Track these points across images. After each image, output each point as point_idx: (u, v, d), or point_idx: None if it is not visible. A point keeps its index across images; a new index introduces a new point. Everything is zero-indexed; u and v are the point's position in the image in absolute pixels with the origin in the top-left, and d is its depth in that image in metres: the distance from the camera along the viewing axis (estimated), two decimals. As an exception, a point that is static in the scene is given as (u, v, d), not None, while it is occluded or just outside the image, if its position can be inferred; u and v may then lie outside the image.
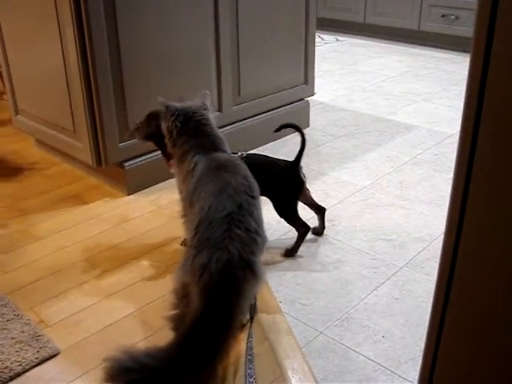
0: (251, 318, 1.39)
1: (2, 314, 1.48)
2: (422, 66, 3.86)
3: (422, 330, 1.39)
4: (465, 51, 4.10)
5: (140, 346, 1.35)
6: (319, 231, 1.85)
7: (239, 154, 1.70)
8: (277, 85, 2.56)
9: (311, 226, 1.78)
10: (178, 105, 1.51)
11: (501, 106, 0.75)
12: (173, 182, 1.73)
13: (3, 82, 2.55)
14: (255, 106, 2.50)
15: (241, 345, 1.35)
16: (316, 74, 2.77)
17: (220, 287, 1.16)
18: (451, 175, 0.84)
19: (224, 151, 1.48)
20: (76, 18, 1.85)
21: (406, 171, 2.33)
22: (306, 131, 1.78)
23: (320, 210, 1.84)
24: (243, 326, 1.38)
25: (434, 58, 4.06)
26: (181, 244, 1.79)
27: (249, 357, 1.25)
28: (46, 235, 1.89)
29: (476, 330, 0.89)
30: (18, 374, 1.30)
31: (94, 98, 1.95)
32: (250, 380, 1.20)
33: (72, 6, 1.83)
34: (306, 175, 1.78)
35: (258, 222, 1.31)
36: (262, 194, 1.69)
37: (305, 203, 1.81)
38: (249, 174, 1.42)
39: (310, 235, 1.80)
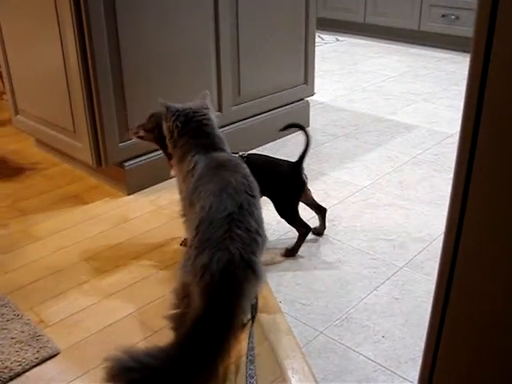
0: (252, 318, 1.39)
1: (2, 314, 1.48)
2: (422, 66, 3.86)
3: (422, 330, 1.39)
4: (465, 51, 4.10)
5: (140, 346, 1.35)
6: (319, 231, 1.85)
7: (239, 154, 1.70)
8: (277, 85, 2.56)
9: (311, 226, 1.78)
10: (178, 105, 1.51)
11: (501, 106, 0.75)
12: (173, 181, 1.73)
13: (3, 82, 2.55)
14: (255, 106, 2.50)
15: (242, 344, 1.35)
16: (316, 74, 2.77)
17: (221, 287, 1.17)
18: (451, 175, 0.84)
19: (224, 151, 1.49)
20: (76, 18, 1.85)
21: (405, 171, 2.33)
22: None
23: (321, 211, 1.84)
24: (244, 325, 1.38)
25: (434, 58, 4.07)
26: (180, 244, 1.79)
27: (250, 357, 1.25)
28: (45, 235, 1.89)
29: (476, 330, 0.89)
30: (18, 374, 1.30)
31: (94, 98, 1.95)
32: (251, 381, 1.20)
33: (72, 6, 1.83)
34: (307, 175, 1.78)
35: (259, 221, 1.31)
36: (263, 194, 1.70)
37: (306, 203, 1.81)
38: (248, 173, 1.42)
39: (310, 235, 1.80)
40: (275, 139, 2.59)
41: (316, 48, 2.72)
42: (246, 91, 2.43)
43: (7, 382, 1.28)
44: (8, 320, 1.46)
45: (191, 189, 1.39)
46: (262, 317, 1.48)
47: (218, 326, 1.16)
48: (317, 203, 1.83)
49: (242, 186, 1.34)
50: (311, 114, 2.82)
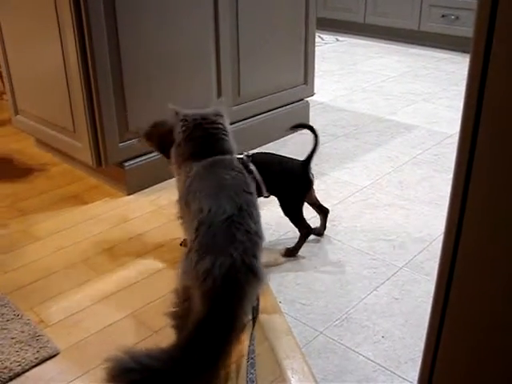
0: (253, 319, 1.39)
1: (2, 314, 1.48)
2: (421, 66, 3.86)
3: (422, 331, 1.39)
4: (464, 51, 4.10)
5: (140, 347, 1.35)
6: (320, 231, 1.85)
7: (244, 154, 1.70)
8: (277, 85, 2.56)
9: (312, 226, 1.78)
10: (188, 111, 1.50)
11: (500, 106, 0.75)
12: (173, 182, 1.73)
13: (3, 82, 2.55)
14: (255, 107, 2.50)
15: (243, 344, 1.35)
16: (316, 74, 2.77)
17: (223, 292, 1.16)
18: (451, 175, 0.84)
19: (228, 155, 1.48)
20: (76, 18, 1.85)
21: (405, 171, 2.33)
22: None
23: (323, 211, 1.84)
24: (245, 326, 1.38)
25: (434, 58, 4.07)
26: (180, 244, 1.79)
27: (251, 360, 1.24)
28: (45, 235, 1.89)
29: (476, 330, 0.89)
30: (18, 374, 1.30)
31: (93, 98, 1.95)
32: None
33: (72, 6, 1.83)
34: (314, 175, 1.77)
35: (257, 222, 1.31)
36: (269, 192, 1.69)
37: (309, 203, 1.81)
38: (243, 169, 1.42)
39: (310, 235, 1.79)
40: (275, 139, 2.59)
41: (316, 48, 2.72)
42: (245, 91, 2.43)
43: (7, 382, 1.28)
44: (8, 320, 1.46)
45: (186, 187, 1.39)
46: (262, 317, 1.48)
47: (220, 329, 1.16)
48: (320, 204, 1.83)
49: (238, 182, 1.33)
50: (311, 114, 2.82)
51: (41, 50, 2.11)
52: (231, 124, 2.44)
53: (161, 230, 1.92)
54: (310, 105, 2.79)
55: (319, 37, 4.66)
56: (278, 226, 1.88)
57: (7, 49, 2.30)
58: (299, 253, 1.76)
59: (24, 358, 1.34)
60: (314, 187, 1.78)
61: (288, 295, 1.58)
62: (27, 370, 1.32)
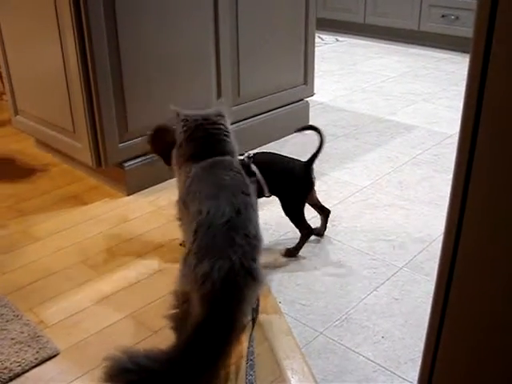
0: (253, 320, 1.39)
1: (2, 315, 1.48)
2: (421, 67, 3.86)
3: (422, 331, 1.39)
4: (464, 51, 4.10)
5: (139, 347, 1.35)
6: (320, 232, 1.85)
7: (246, 154, 1.70)
8: (276, 85, 2.56)
9: (312, 226, 1.78)
10: (189, 112, 1.50)
11: (500, 106, 0.75)
12: (172, 182, 1.73)
13: (3, 82, 2.55)
14: (255, 107, 2.50)
15: (243, 345, 1.35)
16: (316, 75, 2.77)
17: (222, 295, 1.16)
18: (451, 175, 0.84)
19: (229, 156, 1.48)
20: (76, 20, 1.85)
21: (405, 171, 2.33)
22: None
23: (324, 212, 1.84)
24: (244, 327, 1.38)
25: (434, 58, 4.07)
26: (180, 244, 1.79)
27: (250, 362, 1.24)
28: (45, 236, 1.89)
29: (476, 330, 0.89)
30: (18, 375, 1.30)
31: (93, 99, 1.95)
32: None
33: (72, 7, 1.83)
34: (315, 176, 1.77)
35: (256, 225, 1.30)
36: (270, 193, 1.69)
37: (310, 204, 1.80)
38: (242, 170, 1.42)
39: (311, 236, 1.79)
40: (275, 139, 2.59)
41: (316, 48, 2.72)
42: (245, 92, 2.43)
43: (7, 382, 1.28)
44: (7, 321, 1.46)
45: (185, 188, 1.39)
46: (261, 317, 1.48)
47: (219, 332, 1.15)
48: (321, 204, 1.83)
49: (237, 182, 1.33)
50: (311, 114, 2.82)
51: (41, 50, 2.11)
52: (231, 124, 2.44)
53: (160, 230, 1.92)
54: (310, 105, 2.79)
55: (319, 37, 4.66)
56: (277, 226, 1.88)
57: (7, 49, 2.30)
58: (299, 253, 1.76)
59: (24, 359, 1.34)
60: (315, 188, 1.78)
61: (288, 295, 1.58)
62: (27, 371, 1.32)
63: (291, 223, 1.74)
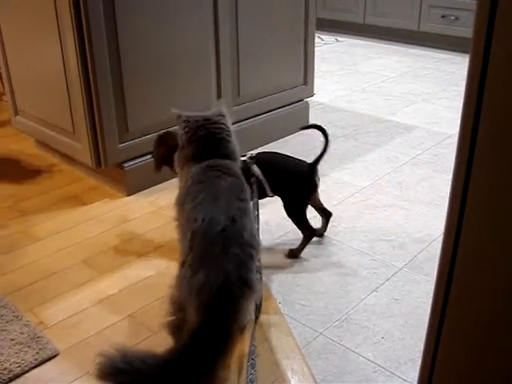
0: (256, 319, 1.39)
1: (1, 316, 1.48)
2: (421, 67, 3.87)
3: (422, 331, 1.39)
4: (464, 52, 4.11)
5: (139, 348, 1.35)
6: (320, 232, 1.85)
7: (248, 155, 1.69)
8: (276, 85, 2.56)
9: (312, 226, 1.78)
10: (190, 113, 1.50)
11: (500, 106, 0.75)
12: (172, 182, 1.73)
13: (3, 82, 2.55)
14: (255, 107, 2.50)
15: (244, 344, 1.34)
16: (315, 75, 2.77)
17: (218, 305, 1.15)
18: (451, 175, 0.84)
19: (230, 158, 1.47)
20: (76, 20, 1.85)
21: (405, 172, 2.33)
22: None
23: (326, 214, 1.84)
24: (244, 327, 1.37)
25: (434, 58, 4.07)
26: (180, 245, 1.79)
27: (251, 361, 1.24)
28: (45, 236, 1.89)
29: (476, 330, 0.89)
30: (18, 376, 1.30)
31: (93, 99, 1.95)
32: None
33: (72, 7, 1.83)
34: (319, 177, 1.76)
35: (252, 233, 1.28)
36: (273, 193, 1.68)
37: (312, 206, 1.80)
38: (240, 174, 1.41)
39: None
40: (275, 140, 2.59)
41: (316, 49, 2.72)
42: (245, 92, 2.43)
43: (6, 383, 1.28)
44: (7, 321, 1.46)
45: (184, 189, 1.39)
46: (262, 318, 1.48)
47: (215, 341, 1.14)
48: (323, 206, 1.82)
49: (232, 189, 1.32)
50: (311, 114, 2.82)
51: (41, 50, 2.11)
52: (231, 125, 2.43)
53: (160, 230, 1.92)
54: (310, 105, 2.79)
55: (319, 37, 4.67)
56: (278, 226, 1.88)
57: (7, 49, 2.30)
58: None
59: (23, 360, 1.34)
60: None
61: (288, 296, 1.58)
62: (27, 371, 1.32)
63: (294, 225, 1.74)
